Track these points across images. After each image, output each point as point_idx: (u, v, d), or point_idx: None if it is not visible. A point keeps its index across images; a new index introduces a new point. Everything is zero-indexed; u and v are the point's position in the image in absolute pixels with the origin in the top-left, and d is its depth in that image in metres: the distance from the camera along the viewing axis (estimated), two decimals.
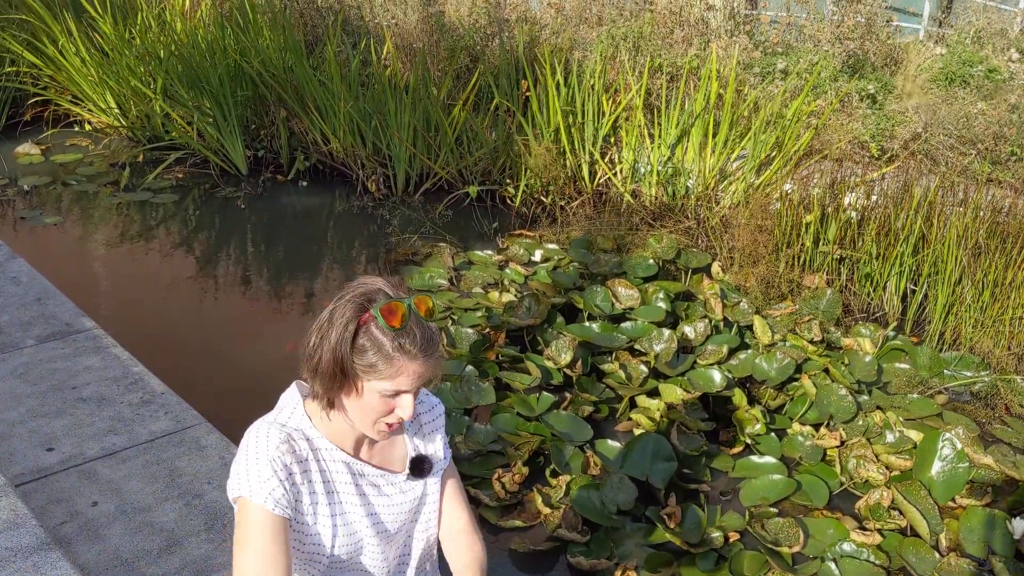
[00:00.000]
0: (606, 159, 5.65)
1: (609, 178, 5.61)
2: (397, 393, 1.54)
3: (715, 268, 4.73)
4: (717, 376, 3.81)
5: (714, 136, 5.32)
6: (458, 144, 5.87)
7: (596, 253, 4.95)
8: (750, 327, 4.20)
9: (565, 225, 5.44)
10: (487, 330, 4.18)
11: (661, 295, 4.39)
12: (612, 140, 5.69)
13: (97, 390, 3.41)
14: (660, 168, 5.42)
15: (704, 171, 5.33)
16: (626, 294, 4.42)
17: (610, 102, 5.64)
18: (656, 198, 5.45)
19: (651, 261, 4.78)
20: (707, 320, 4.20)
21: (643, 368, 3.89)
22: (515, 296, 4.45)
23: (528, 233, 5.30)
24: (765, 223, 4.77)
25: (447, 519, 1.80)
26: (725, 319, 4.24)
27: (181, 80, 6.12)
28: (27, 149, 6.47)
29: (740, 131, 5.36)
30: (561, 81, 5.58)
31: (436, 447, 1.78)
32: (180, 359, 4.05)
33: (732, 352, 4.02)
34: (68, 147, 6.66)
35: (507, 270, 4.85)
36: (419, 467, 1.73)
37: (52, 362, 3.59)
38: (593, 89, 5.54)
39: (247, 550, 1.55)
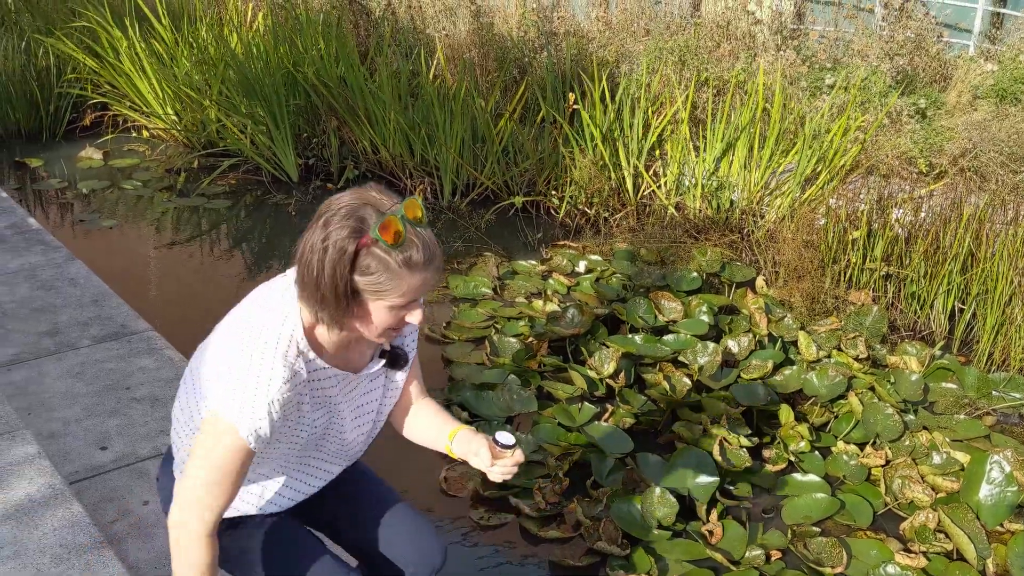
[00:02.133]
0: (650, 172, 5.66)
1: (653, 191, 5.62)
2: (408, 304, 1.55)
3: (759, 282, 4.72)
4: (761, 391, 3.80)
5: (760, 150, 5.31)
6: (504, 155, 5.93)
7: (640, 265, 4.96)
8: (794, 343, 4.18)
9: (609, 237, 5.46)
10: (530, 339, 4.22)
11: (705, 308, 4.39)
12: (657, 153, 5.71)
13: (150, 391, 3.50)
14: (704, 181, 5.42)
15: (749, 184, 5.33)
16: (669, 307, 4.43)
17: (656, 115, 5.65)
18: (700, 211, 5.45)
19: (695, 274, 4.79)
20: (751, 334, 4.20)
21: (686, 381, 3.90)
22: (558, 306, 4.48)
23: (572, 244, 5.33)
24: (810, 238, 4.75)
25: (411, 394, 1.90)
26: (769, 334, 4.23)
27: (236, 89, 6.25)
28: (89, 153, 6.65)
29: (786, 145, 5.35)
30: (607, 94, 5.61)
31: (410, 345, 1.85)
32: None
33: (777, 368, 4.01)
34: (126, 152, 6.83)
35: (550, 280, 4.88)
36: (395, 360, 1.77)
37: (107, 362, 3.69)
38: (639, 102, 5.56)
39: (212, 472, 1.57)
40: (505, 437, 1.60)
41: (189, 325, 4.46)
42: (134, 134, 7.11)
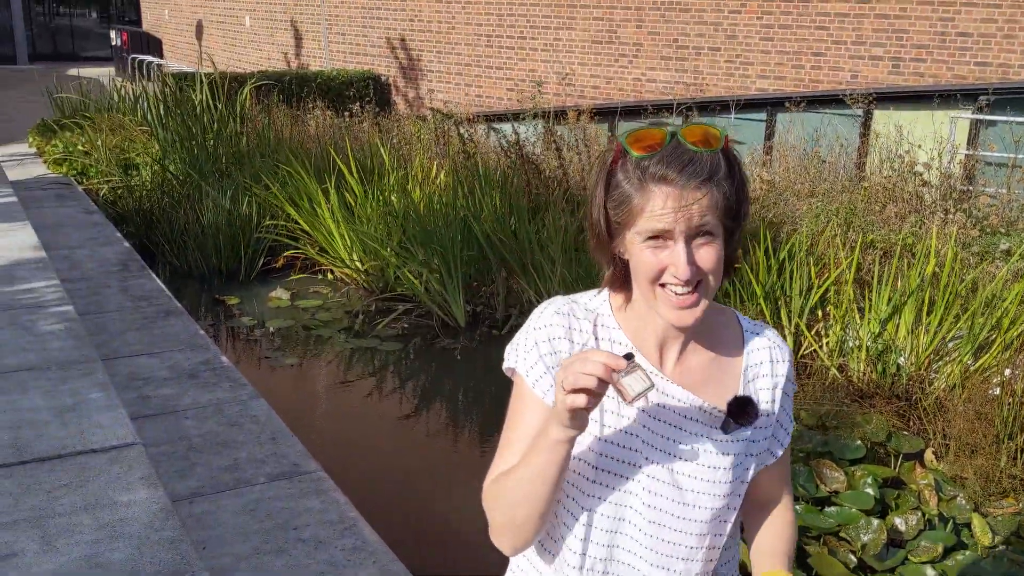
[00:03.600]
0: (812, 331, 5.59)
1: (815, 350, 5.54)
2: (659, 235, 1.25)
3: (928, 456, 4.51)
4: None
5: (928, 314, 5.17)
6: None
7: (800, 428, 4.85)
8: (968, 525, 3.95)
9: None
10: None
11: (869, 480, 4.23)
12: (819, 313, 5.65)
13: (315, 532, 3.70)
14: (869, 344, 5.30)
15: (917, 350, 5.16)
16: (832, 476, 4.30)
17: (819, 275, 5.63)
18: (864, 374, 5.31)
19: (859, 442, 4.63)
20: (920, 513, 4.00)
21: (852, 557, 3.74)
22: None
23: None
24: (984, 410, 4.53)
25: (767, 489, 1.47)
26: (940, 514, 4.02)
27: (415, 238, 6.72)
28: (278, 294, 7.25)
29: (956, 311, 5.18)
30: (771, 252, 5.65)
31: (776, 407, 1.43)
32: (391, 505, 4.32)
33: (948, 551, 3.78)
34: (311, 293, 7.40)
35: None
36: (741, 410, 1.35)
37: (278, 501, 3.94)
38: (802, 261, 5.57)
39: (508, 432, 1.38)
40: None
41: (355, 467, 4.71)
42: (319, 277, 7.70)
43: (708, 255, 1.26)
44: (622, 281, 1.38)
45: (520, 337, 1.41)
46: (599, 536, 1.36)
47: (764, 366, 1.43)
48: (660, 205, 1.23)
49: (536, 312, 1.42)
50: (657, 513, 1.35)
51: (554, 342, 1.36)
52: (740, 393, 1.38)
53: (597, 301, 1.42)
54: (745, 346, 1.44)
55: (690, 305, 1.28)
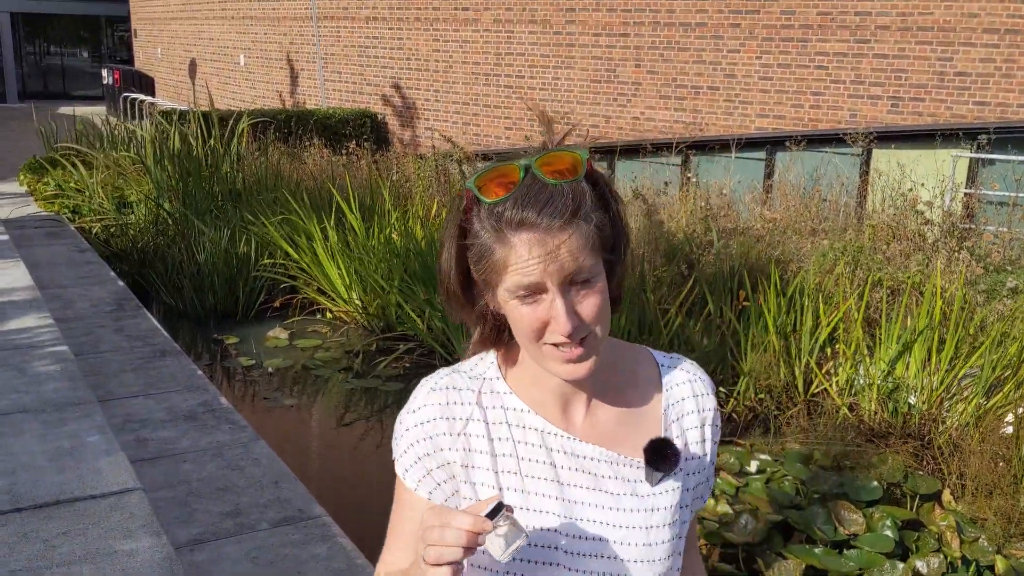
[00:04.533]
0: (823, 370, 5.53)
1: (825, 389, 5.47)
2: (531, 291, 1.08)
3: (946, 497, 4.42)
4: None
5: (938, 353, 5.11)
6: (670, 347, 5.94)
7: (814, 469, 4.76)
8: (991, 567, 3.86)
9: (777, 435, 5.30)
10: (700, 543, 4.08)
11: (888, 522, 4.13)
12: (828, 351, 5.58)
13: None
14: (880, 382, 5.23)
15: (928, 388, 5.09)
16: (850, 518, 4.20)
17: (827, 314, 5.58)
18: (876, 413, 5.23)
19: (875, 483, 4.54)
20: (942, 555, 3.90)
21: None
22: (728, 508, 4.33)
23: (739, 441, 5.20)
24: (999, 449, 4.45)
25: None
26: (963, 556, 3.92)
27: (417, 276, 6.63)
28: (276, 334, 7.14)
29: (967, 349, 5.13)
30: (779, 289, 5.60)
31: (708, 446, 1.28)
32: None
33: None
34: (310, 333, 7.28)
35: (718, 479, 4.74)
36: (660, 454, 1.18)
37: (283, 548, 3.81)
38: (810, 299, 5.51)
39: (392, 525, 1.29)
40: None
41: (361, 510, 4.58)
42: (318, 316, 7.59)
43: (590, 304, 1.09)
44: (494, 340, 1.21)
45: (398, 426, 1.24)
46: None
47: (688, 402, 1.27)
48: (524, 255, 1.06)
49: (414, 392, 1.25)
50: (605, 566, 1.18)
51: (427, 426, 1.19)
52: (660, 435, 1.21)
53: (485, 364, 1.23)
54: (663, 383, 1.27)
55: (578, 358, 1.12)
